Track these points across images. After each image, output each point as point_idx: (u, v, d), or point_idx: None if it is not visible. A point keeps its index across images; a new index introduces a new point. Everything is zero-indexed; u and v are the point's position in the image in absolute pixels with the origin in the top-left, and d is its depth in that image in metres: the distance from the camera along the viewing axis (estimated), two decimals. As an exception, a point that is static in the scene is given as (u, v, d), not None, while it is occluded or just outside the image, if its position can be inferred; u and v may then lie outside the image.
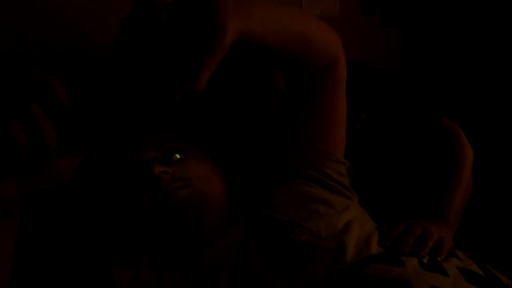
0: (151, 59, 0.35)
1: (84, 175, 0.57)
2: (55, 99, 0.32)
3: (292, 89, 0.64)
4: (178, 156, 0.58)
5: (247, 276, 0.54)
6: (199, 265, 0.57)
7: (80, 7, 0.78)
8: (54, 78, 0.33)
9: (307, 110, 0.63)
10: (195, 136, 0.65)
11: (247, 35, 0.41)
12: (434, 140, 0.78)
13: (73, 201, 0.60)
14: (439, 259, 0.53)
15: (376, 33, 1.60)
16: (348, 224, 0.57)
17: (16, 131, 0.30)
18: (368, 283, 0.48)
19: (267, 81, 0.72)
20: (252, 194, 0.64)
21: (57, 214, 0.60)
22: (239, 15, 0.39)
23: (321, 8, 1.36)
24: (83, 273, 0.56)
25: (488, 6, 1.75)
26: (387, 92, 0.82)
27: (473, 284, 0.49)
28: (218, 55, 0.36)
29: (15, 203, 0.35)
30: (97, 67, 0.37)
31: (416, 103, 0.82)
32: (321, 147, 0.62)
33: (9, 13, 0.70)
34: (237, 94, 0.71)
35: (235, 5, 0.38)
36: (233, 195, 0.63)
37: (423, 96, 0.84)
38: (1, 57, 0.66)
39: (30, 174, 0.34)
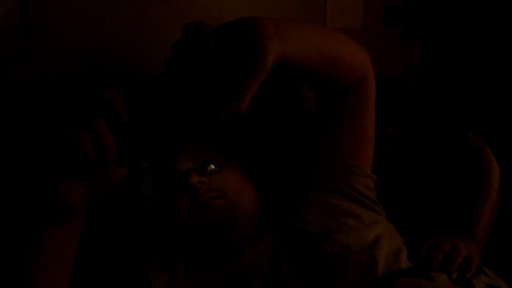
0: (198, 80, 0.38)
1: (129, 185, 0.60)
2: (117, 115, 0.36)
3: (322, 105, 0.65)
4: (213, 167, 0.61)
5: (279, 287, 0.56)
6: (231, 274, 0.59)
7: (135, 33, 0.85)
8: (115, 96, 0.36)
9: (337, 125, 0.64)
10: (228, 148, 0.67)
11: (286, 57, 0.44)
12: (461, 156, 0.78)
13: (120, 208, 0.64)
14: (468, 275, 0.54)
15: (398, 46, 1.60)
16: (377, 238, 0.58)
17: (86, 142, 0.34)
18: (400, 296, 0.48)
19: (296, 98, 0.74)
20: (282, 206, 0.65)
21: (107, 221, 0.63)
22: (280, 40, 0.41)
23: (345, 21, 1.37)
24: (124, 277, 0.59)
25: None
26: (414, 107, 0.83)
27: (502, 301, 0.49)
28: (260, 78, 0.38)
29: (81, 209, 0.38)
30: (150, 86, 0.39)
31: (443, 118, 0.82)
32: (350, 161, 0.63)
33: (73, 41, 0.76)
34: (268, 109, 0.73)
35: (276, 30, 0.40)
36: (265, 206, 0.64)
37: (449, 112, 0.85)
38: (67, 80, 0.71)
39: (93, 182, 0.38)
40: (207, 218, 0.57)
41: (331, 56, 0.54)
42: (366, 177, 0.64)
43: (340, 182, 0.63)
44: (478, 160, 0.76)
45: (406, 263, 0.54)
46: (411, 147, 0.80)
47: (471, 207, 0.71)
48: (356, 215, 0.60)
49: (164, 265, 0.60)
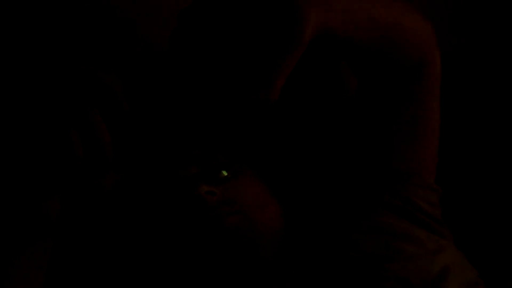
0: (214, 59, 0.32)
1: (123, 194, 0.52)
2: (118, 104, 0.32)
3: (368, 92, 0.56)
4: (225, 173, 0.51)
5: None
6: None
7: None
8: (115, 79, 0.32)
9: (388, 120, 0.55)
10: (244, 151, 0.57)
11: (328, 29, 0.37)
12: None
13: (108, 223, 0.56)
14: None
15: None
16: (444, 270, 0.48)
17: (75, 144, 0.31)
18: None
19: (334, 80, 0.65)
20: (314, 226, 0.56)
21: (90, 237, 0.56)
22: (322, 6, 0.35)
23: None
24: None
25: None
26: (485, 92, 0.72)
27: None
28: (295, 58, 0.33)
29: (56, 222, 0.36)
30: (152, 67, 0.35)
31: None
32: (406, 167, 0.54)
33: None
34: (296, 98, 0.63)
35: None
36: (290, 227, 0.54)
37: None
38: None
39: (73, 191, 0.36)
40: (218, 241, 0.47)
41: (387, 27, 0.46)
42: (428, 189, 0.54)
43: (393, 196, 0.53)
44: None
45: (484, 305, 0.46)
46: (484, 144, 0.68)
47: None
48: (416, 239, 0.51)
49: None
